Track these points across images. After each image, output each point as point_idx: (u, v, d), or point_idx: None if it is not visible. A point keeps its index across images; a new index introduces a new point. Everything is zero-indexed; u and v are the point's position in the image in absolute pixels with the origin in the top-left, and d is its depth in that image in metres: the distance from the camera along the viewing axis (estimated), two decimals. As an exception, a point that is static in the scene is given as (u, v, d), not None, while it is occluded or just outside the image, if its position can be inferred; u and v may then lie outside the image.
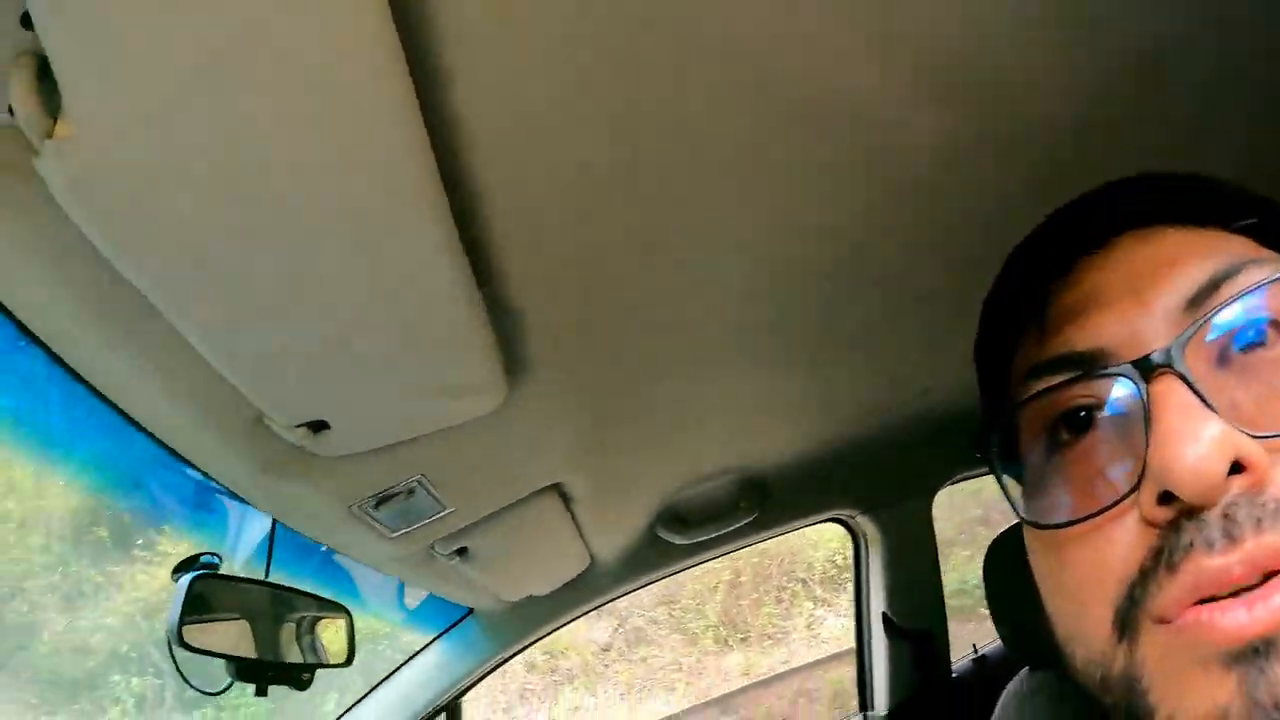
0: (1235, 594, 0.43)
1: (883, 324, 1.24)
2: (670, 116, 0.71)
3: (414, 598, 2.56)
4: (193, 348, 0.73)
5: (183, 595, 1.36)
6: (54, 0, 0.46)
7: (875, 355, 1.37)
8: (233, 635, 1.53)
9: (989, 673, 2.82)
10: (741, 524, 2.10)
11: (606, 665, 8.77)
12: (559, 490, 1.53)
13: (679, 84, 0.69)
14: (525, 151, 0.70)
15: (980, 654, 2.86)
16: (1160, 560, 0.46)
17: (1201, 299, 0.50)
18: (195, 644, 1.36)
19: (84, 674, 7.03)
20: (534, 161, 0.72)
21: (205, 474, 1.03)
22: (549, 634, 2.39)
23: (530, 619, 2.30)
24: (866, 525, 2.63)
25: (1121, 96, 0.90)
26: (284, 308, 0.71)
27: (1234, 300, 0.49)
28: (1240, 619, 0.42)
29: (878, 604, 2.70)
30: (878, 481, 2.40)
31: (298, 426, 0.90)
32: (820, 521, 2.59)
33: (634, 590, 2.43)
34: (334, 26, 0.50)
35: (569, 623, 2.39)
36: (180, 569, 1.41)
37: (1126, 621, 0.48)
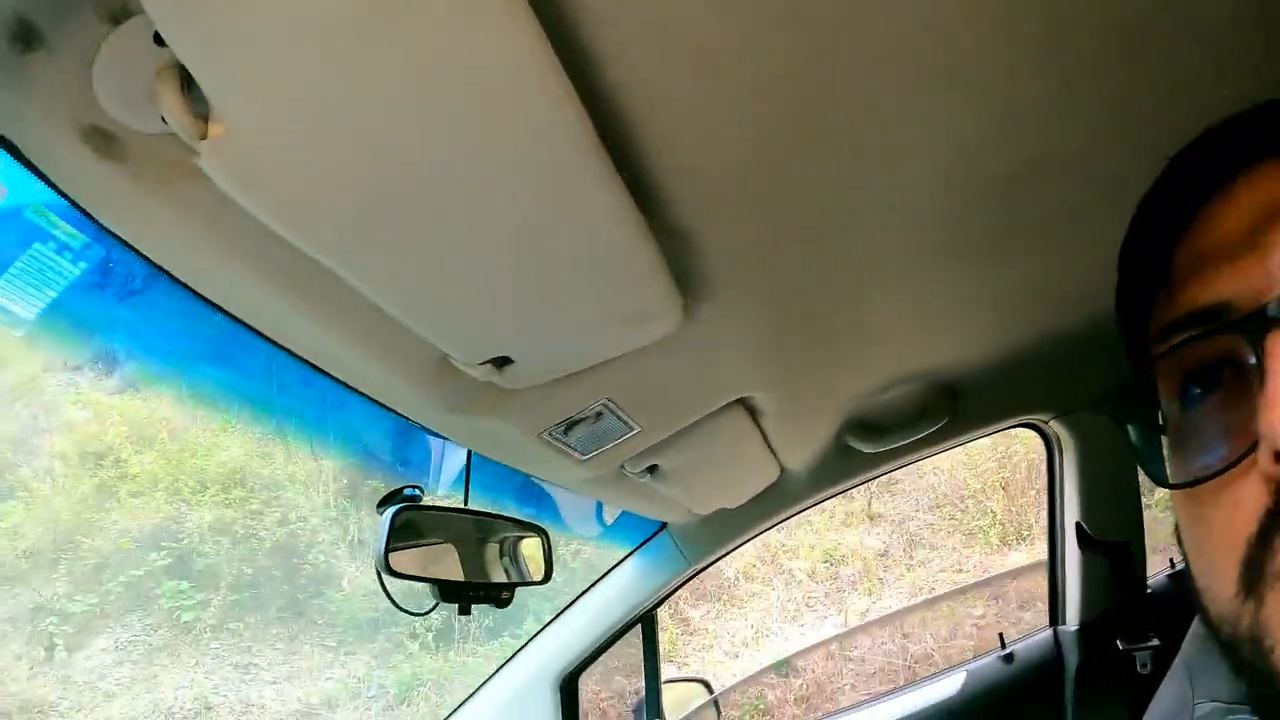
0: None
1: (1070, 214, 1.18)
2: (841, 6, 0.67)
3: (612, 514, 2.62)
4: (373, 302, 0.76)
5: (387, 526, 1.46)
6: (178, 17, 0.49)
7: (1063, 248, 1.31)
8: (436, 560, 1.66)
9: (1186, 589, 2.76)
10: (931, 430, 2.06)
11: (887, 569, 8.90)
12: (746, 404, 1.54)
13: None
14: (674, 65, 0.68)
15: (1177, 569, 2.76)
16: (1276, 521, 0.45)
17: None
18: (401, 570, 1.46)
19: (381, 614, 7.59)
20: (684, 76, 0.69)
21: (402, 415, 1.07)
22: (741, 545, 2.42)
23: (723, 531, 2.33)
24: (1060, 430, 2.57)
25: None
26: (453, 256, 0.75)
27: None
28: None
29: (1072, 514, 2.64)
30: (1071, 384, 2.31)
31: (482, 364, 0.93)
32: (1013, 426, 2.54)
33: (826, 500, 2.41)
34: None
35: (761, 534, 2.41)
36: (384, 502, 1.50)
37: (1251, 581, 0.47)
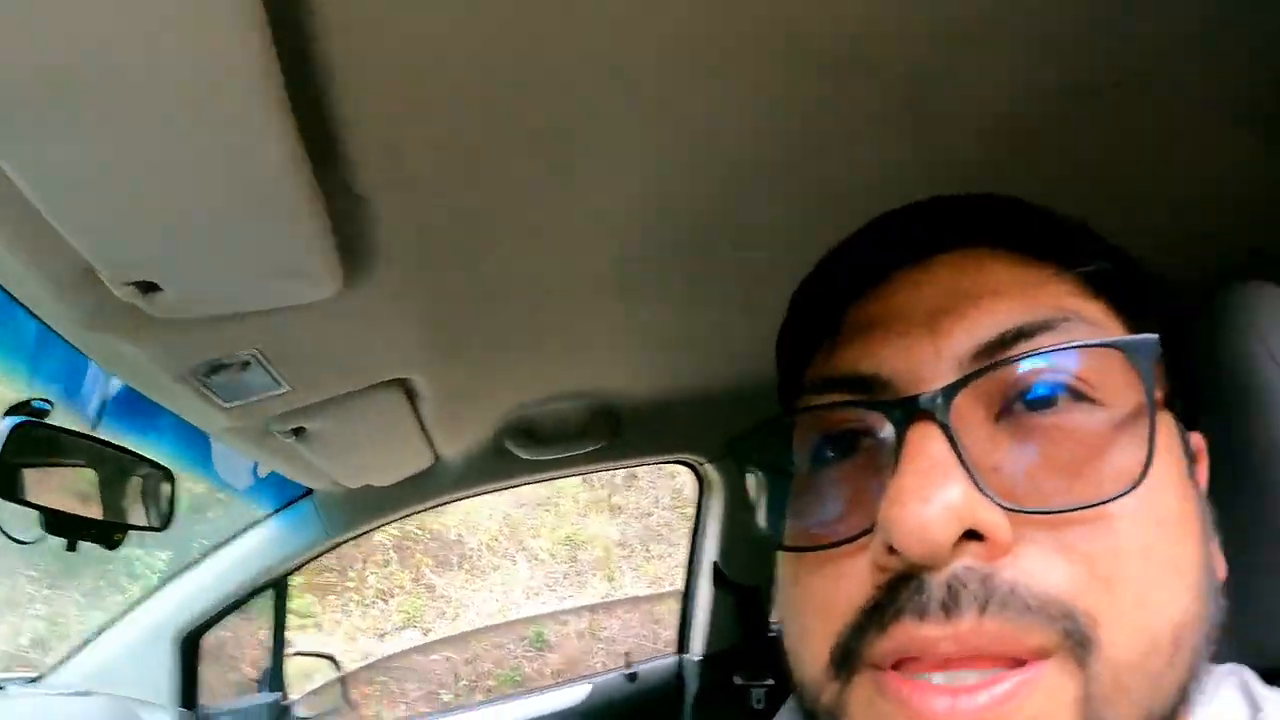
0: (944, 667, 0.43)
1: (752, 276, 1.23)
2: (573, 24, 0.67)
3: (266, 470, 2.56)
4: (25, 197, 0.74)
5: (3, 438, 1.33)
6: None
7: (740, 306, 1.38)
8: (52, 486, 1.51)
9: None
10: (590, 449, 2.15)
11: (626, 557, 9.09)
12: (405, 385, 1.53)
13: None
14: (389, 41, 0.67)
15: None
16: (875, 616, 0.45)
17: (997, 348, 0.48)
18: (8, 491, 1.35)
19: (90, 548, 6.76)
20: (389, 35, 0.67)
21: (43, 322, 1.03)
22: (388, 524, 2.42)
23: (370, 507, 2.31)
24: (711, 473, 2.71)
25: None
26: (112, 165, 0.69)
27: (1028, 357, 0.47)
28: (939, 707, 0.42)
29: (711, 553, 2.80)
30: (724, 433, 2.40)
31: (127, 285, 0.90)
32: (669, 461, 2.69)
33: (480, 494, 2.45)
34: None
35: (409, 515, 2.41)
36: (10, 412, 1.38)
37: (842, 661, 0.47)
